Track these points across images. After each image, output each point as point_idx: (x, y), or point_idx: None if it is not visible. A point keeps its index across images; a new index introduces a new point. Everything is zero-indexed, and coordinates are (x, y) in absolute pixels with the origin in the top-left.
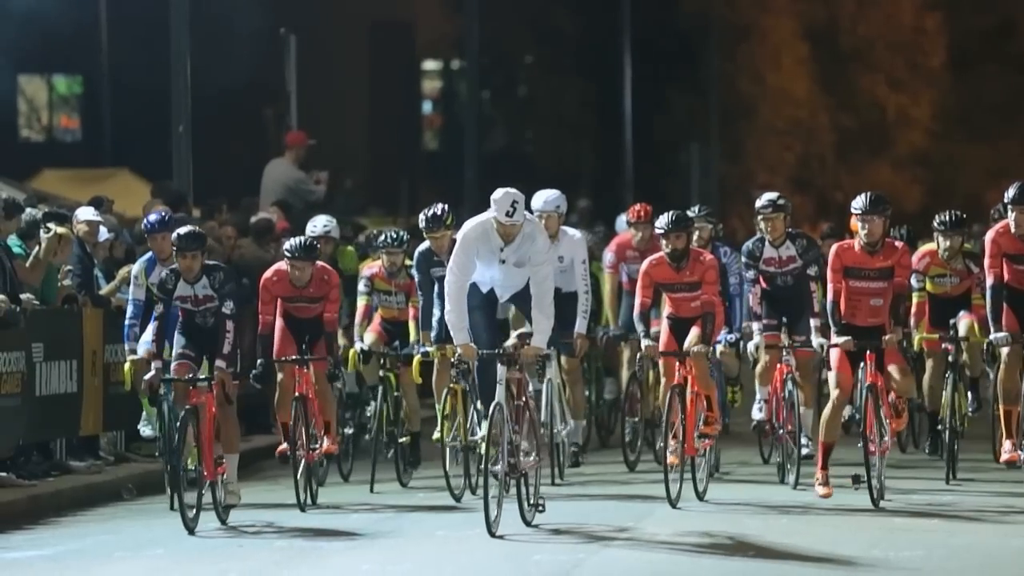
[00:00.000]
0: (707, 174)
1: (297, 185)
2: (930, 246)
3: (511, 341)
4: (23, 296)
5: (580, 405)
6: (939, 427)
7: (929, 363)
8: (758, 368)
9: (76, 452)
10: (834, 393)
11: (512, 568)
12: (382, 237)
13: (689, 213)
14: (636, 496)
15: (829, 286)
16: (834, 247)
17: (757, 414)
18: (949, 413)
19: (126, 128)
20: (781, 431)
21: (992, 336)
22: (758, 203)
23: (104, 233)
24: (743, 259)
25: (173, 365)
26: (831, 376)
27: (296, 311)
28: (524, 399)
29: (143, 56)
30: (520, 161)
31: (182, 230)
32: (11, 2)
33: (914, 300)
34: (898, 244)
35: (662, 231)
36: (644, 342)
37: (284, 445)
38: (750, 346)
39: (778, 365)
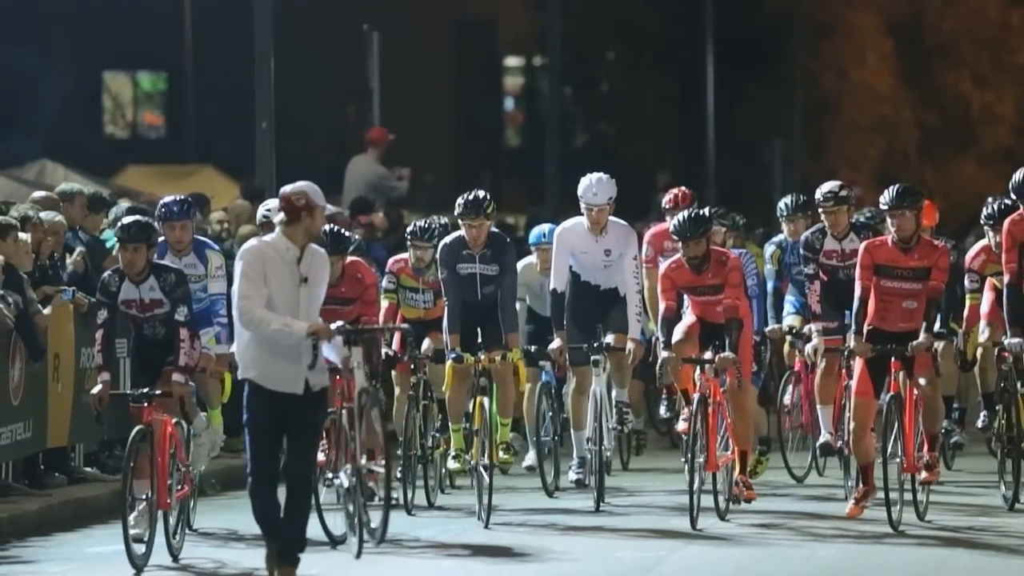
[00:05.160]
0: (790, 170)
1: (380, 181)
2: (984, 242)
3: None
4: None
5: (627, 376)
6: (992, 406)
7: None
8: (816, 383)
9: None
10: (852, 424)
11: None
12: (410, 227)
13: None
14: (661, 532)
15: (857, 284)
16: (864, 243)
17: (824, 436)
18: (1006, 428)
19: (210, 125)
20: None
21: (1008, 341)
22: (817, 195)
23: None
24: (801, 251)
25: (131, 405)
26: (850, 401)
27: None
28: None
29: (227, 53)
30: (602, 157)
31: (126, 219)
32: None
33: (967, 303)
34: (938, 243)
35: (677, 238)
36: (663, 353)
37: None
38: (807, 348)
39: (840, 372)
